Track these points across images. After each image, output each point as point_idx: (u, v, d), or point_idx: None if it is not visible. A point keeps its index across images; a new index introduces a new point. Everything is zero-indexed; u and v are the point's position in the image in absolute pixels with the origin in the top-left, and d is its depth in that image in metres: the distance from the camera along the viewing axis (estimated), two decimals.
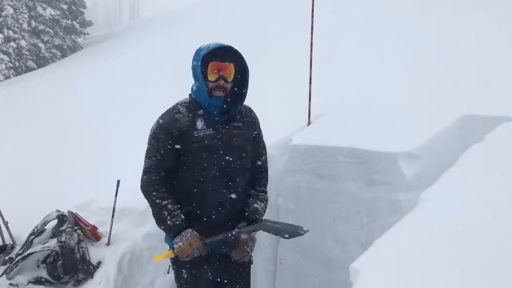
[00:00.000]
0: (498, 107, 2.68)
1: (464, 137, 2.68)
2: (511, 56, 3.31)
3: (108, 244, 3.25)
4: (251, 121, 2.46)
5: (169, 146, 2.26)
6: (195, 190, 2.31)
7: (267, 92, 4.45)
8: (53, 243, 3.06)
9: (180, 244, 2.24)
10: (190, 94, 2.39)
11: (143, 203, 3.38)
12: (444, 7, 4.89)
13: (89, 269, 3.07)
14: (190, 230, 2.26)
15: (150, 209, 2.33)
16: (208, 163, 2.28)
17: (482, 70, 3.16)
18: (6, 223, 3.38)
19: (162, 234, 3.26)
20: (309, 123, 3.66)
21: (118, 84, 7.93)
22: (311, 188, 3.25)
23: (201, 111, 2.30)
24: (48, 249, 3.05)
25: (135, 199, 3.39)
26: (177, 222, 2.25)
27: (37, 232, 3.18)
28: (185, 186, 2.32)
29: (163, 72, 7.90)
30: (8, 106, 8.25)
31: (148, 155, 2.30)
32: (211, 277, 2.43)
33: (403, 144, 2.72)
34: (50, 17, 20.42)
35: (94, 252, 3.17)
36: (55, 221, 3.24)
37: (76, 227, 3.16)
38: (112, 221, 3.26)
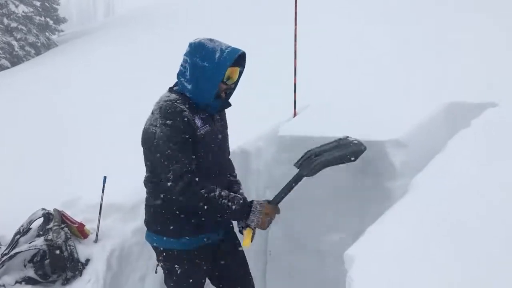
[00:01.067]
0: (484, 94, 2.74)
1: (450, 123, 2.72)
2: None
3: (96, 241, 3.20)
4: (224, 112, 2.55)
5: (187, 145, 2.24)
6: None
7: (251, 85, 4.44)
8: (40, 241, 3.01)
9: (256, 219, 2.27)
10: (173, 90, 2.38)
11: (131, 199, 3.40)
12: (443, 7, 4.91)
13: (77, 267, 3.02)
14: (255, 201, 2.31)
15: (198, 208, 2.25)
16: (211, 160, 2.35)
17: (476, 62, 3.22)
18: None
19: None
20: (295, 115, 3.66)
21: (97, 81, 7.83)
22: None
23: (197, 109, 2.31)
24: (35, 248, 2.99)
25: (123, 195, 3.39)
26: (241, 202, 2.28)
27: (23, 231, 3.12)
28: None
29: (143, 68, 7.86)
30: None
31: (174, 160, 2.19)
32: (205, 267, 2.46)
33: (390, 132, 2.74)
34: (23, 14, 20.01)
35: (82, 250, 3.12)
36: (41, 220, 3.18)
37: (63, 225, 3.10)
38: (99, 218, 3.22)
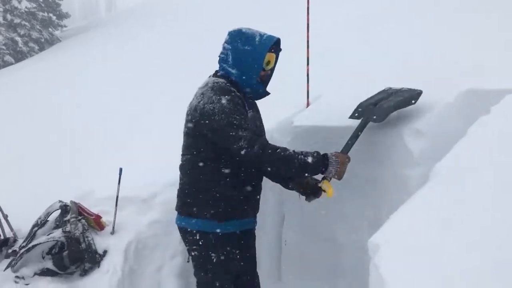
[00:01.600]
0: (502, 81, 2.71)
1: (468, 111, 2.69)
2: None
3: (112, 233, 3.22)
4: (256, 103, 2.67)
5: (247, 116, 2.37)
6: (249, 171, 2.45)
7: None
8: (58, 233, 3.02)
9: (334, 169, 2.33)
10: (219, 75, 2.47)
11: (146, 192, 3.41)
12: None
13: (95, 258, 3.04)
14: (328, 154, 2.35)
15: (278, 168, 2.28)
16: None
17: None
18: (6, 217, 3.32)
19: (167, 220, 3.28)
20: (308, 105, 3.65)
21: (105, 75, 7.80)
22: None
23: (242, 93, 2.42)
24: (53, 240, 3.01)
25: (137, 187, 3.40)
26: (315, 154, 2.32)
27: (41, 224, 3.14)
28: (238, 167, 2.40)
29: (149, 62, 7.82)
30: None
31: (243, 128, 2.24)
32: (238, 256, 2.48)
33: (408, 120, 2.73)
34: (26, 10, 19.96)
35: (99, 241, 3.14)
36: (58, 212, 3.20)
37: (80, 217, 3.12)
38: (116, 210, 3.22)
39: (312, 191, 2.55)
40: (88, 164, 4.15)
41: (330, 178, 2.42)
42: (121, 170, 3.22)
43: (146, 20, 13.71)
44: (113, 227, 3.22)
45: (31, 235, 3.10)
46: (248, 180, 2.50)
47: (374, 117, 2.61)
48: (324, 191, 2.46)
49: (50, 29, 21.63)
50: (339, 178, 2.41)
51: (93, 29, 17.40)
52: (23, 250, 3.01)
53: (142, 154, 3.91)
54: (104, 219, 3.26)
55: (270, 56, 2.45)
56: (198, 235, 2.45)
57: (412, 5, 5.01)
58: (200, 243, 2.45)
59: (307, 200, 2.63)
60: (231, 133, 2.23)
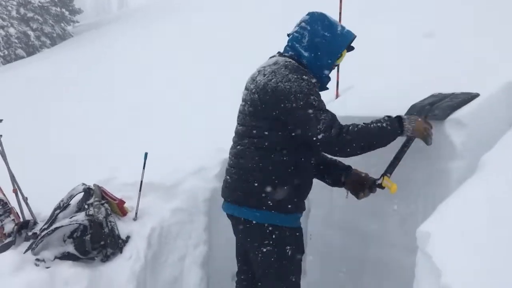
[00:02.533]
0: None
1: (510, 102, 2.62)
2: None
3: (135, 219, 3.14)
4: None
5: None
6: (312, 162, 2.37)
7: None
8: (81, 216, 2.94)
9: (412, 126, 2.25)
10: (287, 55, 2.35)
11: (170, 178, 3.32)
12: None
13: (118, 244, 2.96)
14: (399, 117, 2.25)
15: (354, 145, 2.18)
16: None
17: None
18: (25, 199, 3.24)
19: (191, 208, 3.19)
20: (337, 96, 3.56)
21: (124, 69, 7.76)
22: (345, 161, 3.15)
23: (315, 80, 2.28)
24: (76, 223, 2.92)
25: (162, 174, 3.32)
26: (386, 118, 2.24)
27: (63, 206, 3.06)
28: (301, 150, 2.27)
29: (161, 56, 7.79)
30: (15, 92, 8.05)
31: (321, 110, 2.13)
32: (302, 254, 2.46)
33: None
34: (39, 4, 19.98)
35: (122, 227, 3.06)
36: (81, 195, 3.12)
37: (103, 201, 3.04)
38: (139, 195, 3.15)
39: (369, 188, 2.46)
40: (113, 149, 4.08)
41: (391, 172, 2.37)
42: (146, 154, 3.15)
43: (158, 17, 13.70)
44: (136, 213, 3.14)
45: (53, 218, 3.01)
46: (311, 169, 2.41)
47: (436, 112, 2.47)
48: (385, 187, 2.38)
49: (62, 24, 21.65)
50: (421, 135, 2.29)
51: (105, 26, 17.42)
52: (44, 232, 2.92)
53: (166, 141, 3.84)
54: (127, 204, 3.18)
55: (344, 52, 2.38)
56: (270, 228, 2.25)
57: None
58: (276, 234, 2.25)
59: (358, 198, 2.54)
60: (310, 115, 2.09)
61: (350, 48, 2.45)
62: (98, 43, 12.44)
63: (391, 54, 4.01)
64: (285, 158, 2.22)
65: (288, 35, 2.46)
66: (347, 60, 3.60)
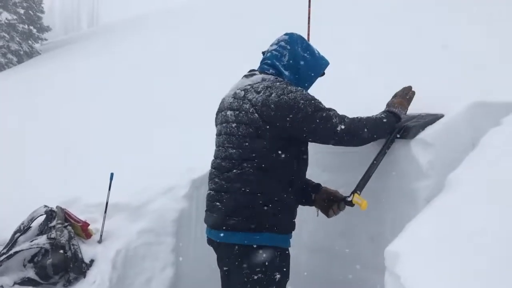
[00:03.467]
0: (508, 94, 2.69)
1: (476, 123, 2.66)
2: None
3: (100, 241, 3.04)
4: None
5: None
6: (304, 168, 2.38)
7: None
8: (42, 240, 2.83)
9: (396, 100, 2.49)
10: (269, 73, 2.33)
11: (137, 198, 3.25)
12: None
13: (81, 268, 2.86)
14: (388, 105, 2.49)
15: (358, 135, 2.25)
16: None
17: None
18: None
19: (159, 229, 3.12)
20: None
21: (89, 85, 7.65)
22: (314, 180, 3.15)
23: None
24: (37, 247, 2.82)
25: (128, 194, 3.24)
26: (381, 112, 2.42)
27: (23, 229, 2.94)
28: (296, 168, 2.30)
29: (130, 75, 7.73)
30: None
31: (328, 109, 2.18)
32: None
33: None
34: (6, 21, 19.64)
35: (86, 250, 2.96)
36: (42, 218, 3.01)
37: (66, 224, 2.94)
38: (104, 217, 3.06)
39: (338, 205, 2.45)
40: (77, 169, 3.98)
41: (360, 190, 2.41)
42: (112, 175, 3.07)
43: (127, 35, 13.65)
44: (101, 235, 3.04)
45: (13, 241, 2.90)
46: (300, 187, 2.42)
47: (404, 133, 2.53)
48: (355, 204, 2.37)
49: (30, 42, 21.31)
50: (408, 102, 2.55)
51: (74, 44, 17.21)
52: (3, 257, 2.81)
53: (134, 160, 3.76)
54: (91, 227, 3.09)
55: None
56: (261, 251, 2.14)
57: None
58: (267, 263, 2.15)
59: (328, 216, 2.52)
60: (323, 114, 2.13)
61: (322, 74, 2.49)
62: (59, 62, 12.28)
63: (361, 69, 4.05)
64: (284, 178, 2.20)
65: (263, 53, 2.45)
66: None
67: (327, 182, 2.92)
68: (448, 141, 2.63)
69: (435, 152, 2.61)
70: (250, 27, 7.80)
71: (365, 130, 2.23)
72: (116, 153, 4.09)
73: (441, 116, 2.63)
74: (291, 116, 2.10)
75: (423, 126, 2.56)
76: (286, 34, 2.40)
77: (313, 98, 2.17)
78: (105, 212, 3.06)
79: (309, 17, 3.55)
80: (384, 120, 2.35)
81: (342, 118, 2.19)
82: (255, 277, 2.14)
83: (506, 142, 2.26)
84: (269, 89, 2.15)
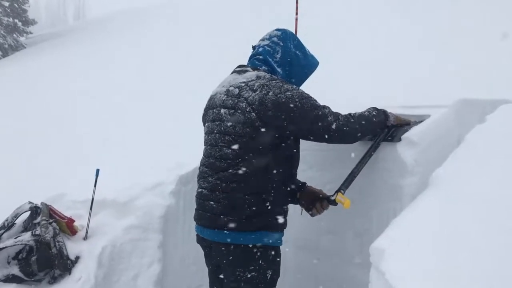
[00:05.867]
0: (494, 91, 2.72)
1: (462, 120, 2.69)
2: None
3: (85, 238, 3.01)
4: None
5: None
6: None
7: None
8: (26, 236, 2.79)
9: (393, 116, 2.50)
10: (261, 70, 2.30)
11: (124, 194, 3.22)
12: None
13: (66, 265, 2.82)
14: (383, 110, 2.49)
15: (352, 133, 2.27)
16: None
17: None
18: None
19: (146, 225, 3.11)
20: None
21: (75, 80, 7.57)
22: (300, 177, 3.16)
23: None
24: (21, 244, 2.77)
25: (115, 190, 3.21)
26: (371, 109, 2.43)
27: (7, 226, 2.90)
28: (290, 167, 2.33)
29: (119, 68, 7.68)
30: None
31: (323, 107, 2.20)
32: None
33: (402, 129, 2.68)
34: None
35: (71, 247, 2.92)
36: (27, 214, 2.97)
37: (51, 220, 2.91)
38: (90, 213, 3.03)
39: (320, 203, 2.44)
40: (62, 165, 3.93)
41: (344, 190, 2.41)
42: (98, 171, 3.04)
43: (113, 30, 13.54)
44: (87, 232, 3.01)
45: None
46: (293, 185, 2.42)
47: (389, 138, 2.59)
48: (338, 203, 2.36)
49: (14, 35, 21.02)
50: (402, 122, 2.56)
51: (59, 37, 17.02)
52: None
53: (121, 156, 3.73)
54: (77, 223, 3.06)
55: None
56: (261, 250, 2.16)
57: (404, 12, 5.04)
58: (261, 255, 2.17)
59: (311, 215, 2.51)
60: (319, 112, 2.15)
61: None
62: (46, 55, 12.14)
63: (355, 72, 4.07)
64: (279, 177, 2.20)
65: (254, 47, 2.42)
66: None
67: (312, 178, 2.93)
68: (434, 138, 2.65)
69: (421, 149, 2.64)
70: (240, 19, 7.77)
71: (357, 127, 2.26)
72: (103, 149, 4.06)
73: (427, 116, 2.68)
74: (288, 115, 2.10)
75: (407, 129, 2.61)
76: (278, 30, 2.38)
77: (308, 96, 2.18)
78: (91, 208, 3.03)
79: (296, 12, 3.54)
80: (374, 120, 2.38)
81: (337, 116, 2.21)
82: (249, 276, 2.15)
83: (491, 138, 2.28)
84: (265, 87, 2.12)
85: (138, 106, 5.23)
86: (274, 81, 2.16)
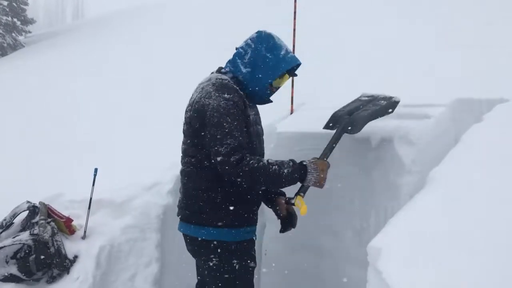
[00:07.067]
0: (490, 91, 2.72)
1: (459, 120, 2.70)
2: None
3: (83, 237, 3.02)
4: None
5: (242, 121, 2.16)
6: None
7: None
8: (25, 236, 2.80)
9: (314, 178, 2.17)
10: (224, 72, 2.34)
11: (121, 194, 3.23)
12: None
13: (65, 264, 2.83)
14: (306, 161, 2.20)
15: (252, 181, 2.10)
16: (255, 147, 2.30)
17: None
18: None
19: (143, 225, 3.11)
20: (292, 112, 3.58)
21: (74, 79, 7.57)
22: None
23: (244, 93, 2.27)
24: (19, 243, 2.78)
25: (113, 190, 3.22)
26: (291, 164, 2.16)
27: (6, 225, 2.91)
28: None
29: (117, 67, 7.67)
30: None
31: (229, 135, 2.06)
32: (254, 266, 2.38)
33: (399, 129, 2.69)
34: None
35: (69, 246, 2.94)
36: (25, 214, 2.98)
37: (49, 219, 2.91)
38: (88, 212, 3.03)
39: (288, 217, 2.48)
40: (61, 165, 3.93)
41: (304, 192, 2.29)
42: (96, 170, 3.04)
43: (111, 29, 13.52)
44: (85, 231, 3.02)
45: None
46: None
47: (349, 128, 2.48)
48: (294, 205, 2.32)
49: (13, 34, 20.98)
50: (321, 186, 2.24)
51: (58, 36, 16.99)
52: None
53: (118, 156, 3.73)
54: (75, 223, 3.06)
55: (285, 76, 2.37)
56: (215, 242, 2.24)
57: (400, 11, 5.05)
58: (219, 249, 2.24)
59: (281, 232, 2.53)
60: (217, 136, 2.07)
61: (293, 74, 2.46)
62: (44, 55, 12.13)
63: (349, 69, 4.07)
64: (214, 174, 2.19)
65: (237, 48, 2.46)
66: (303, 75, 3.67)
67: None
68: (431, 137, 2.66)
69: (418, 148, 2.64)
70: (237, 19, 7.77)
71: (251, 179, 2.09)
72: (100, 149, 4.06)
73: (397, 101, 2.59)
74: (199, 119, 2.18)
75: (370, 118, 2.51)
76: (256, 32, 2.40)
77: (224, 115, 2.09)
78: (89, 208, 3.03)
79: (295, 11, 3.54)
80: (284, 179, 2.14)
81: (230, 154, 2.04)
82: (211, 264, 2.26)
83: (487, 138, 2.29)
84: (202, 90, 2.23)
85: (135, 105, 5.22)
86: (210, 86, 2.19)
